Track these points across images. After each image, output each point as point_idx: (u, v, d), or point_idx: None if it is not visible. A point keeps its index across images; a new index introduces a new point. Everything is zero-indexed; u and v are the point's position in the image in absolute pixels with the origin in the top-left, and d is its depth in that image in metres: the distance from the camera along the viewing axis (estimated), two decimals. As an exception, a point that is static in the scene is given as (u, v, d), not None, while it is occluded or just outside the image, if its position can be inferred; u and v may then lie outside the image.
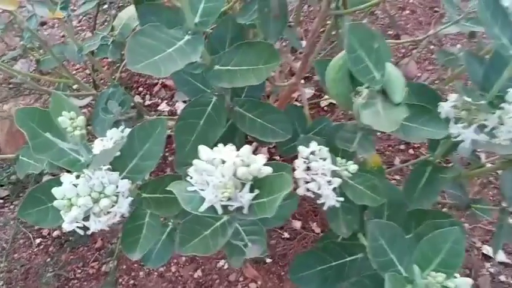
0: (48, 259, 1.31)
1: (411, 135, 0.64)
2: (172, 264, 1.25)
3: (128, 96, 0.88)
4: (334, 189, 0.66)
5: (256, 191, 0.53)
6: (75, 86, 1.49)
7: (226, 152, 0.53)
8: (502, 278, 1.20)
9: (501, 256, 1.23)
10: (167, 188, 0.52)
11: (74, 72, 1.76)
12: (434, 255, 0.57)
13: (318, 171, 0.65)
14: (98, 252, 1.30)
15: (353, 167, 0.66)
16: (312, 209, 1.34)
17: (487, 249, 1.23)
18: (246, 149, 0.53)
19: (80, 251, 1.32)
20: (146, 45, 0.58)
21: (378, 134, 1.59)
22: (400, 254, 0.62)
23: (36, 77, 1.32)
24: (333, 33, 1.34)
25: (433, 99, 0.75)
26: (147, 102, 1.60)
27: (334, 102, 1.55)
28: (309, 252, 0.85)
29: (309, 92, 1.58)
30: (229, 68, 0.71)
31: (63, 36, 1.99)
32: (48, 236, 1.36)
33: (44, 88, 1.19)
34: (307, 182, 0.67)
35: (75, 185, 0.53)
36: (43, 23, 2.06)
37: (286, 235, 1.29)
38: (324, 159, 0.66)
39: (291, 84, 1.19)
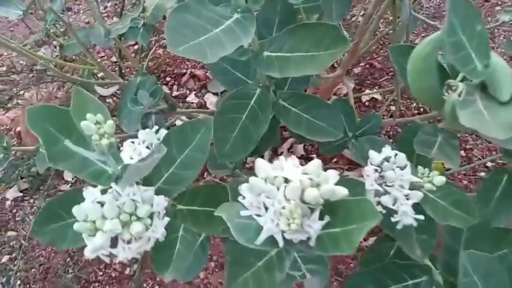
0: (68, 259, 1.22)
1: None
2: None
3: (159, 86, 0.77)
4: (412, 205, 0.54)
5: (327, 218, 0.41)
6: (100, 74, 1.39)
7: (289, 167, 0.41)
8: None
9: None
10: (217, 213, 0.41)
11: (99, 60, 1.66)
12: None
13: (395, 183, 0.53)
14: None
15: (439, 178, 0.54)
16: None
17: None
18: (315, 164, 0.41)
19: (102, 251, 1.22)
20: (189, 24, 0.47)
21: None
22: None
23: (60, 63, 1.22)
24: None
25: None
26: (175, 93, 1.49)
27: (376, 97, 1.42)
28: (365, 273, 0.73)
29: (350, 85, 1.45)
30: (280, 54, 0.60)
31: (87, 22, 1.90)
32: (69, 233, 1.27)
33: (67, 75, 1.09)
34: (378, 195, 0.55)
35: (101, 203, 0.43)
36: (68, 9, 1.97)
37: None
38: (402, 168, 0.54)
39: (335, 76, 1.06)
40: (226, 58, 0.63)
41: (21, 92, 1.59)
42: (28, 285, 1.18)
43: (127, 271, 1.18)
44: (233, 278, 0.45)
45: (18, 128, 1.57)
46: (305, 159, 1.28)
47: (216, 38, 0.48)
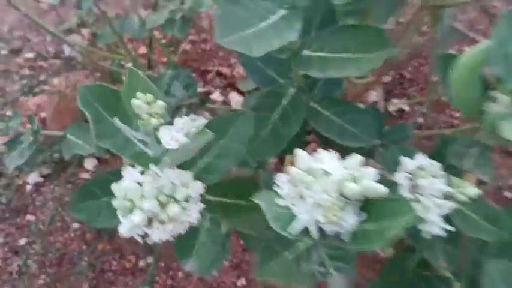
0: (84, 246, 1.23)
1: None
2: (214, 267, 1.15)
3: (193, 80, 0.78)
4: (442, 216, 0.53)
5: (363, 214, 0.41)
6: (127, 65, 1.41)
7: (329, 160, 0.42)
8: None
9: None
10: (253, 200, 0.41)
11: (126, 51, 1.68)
12: None
13: (426, 191, 0.53)
14: (136, 246, 1.22)
15: (474, 190, 0.54)
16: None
17: None
18: (356, 158, 0.42)
19: (117, 242, 1.23)
20: (236, 17, 0.47)
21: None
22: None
23: (90, 50, 1.23)
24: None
25: None
26: (200, 90, 1.50)
27: (404, 108, 1.41)
28: (385, 282, 0.72)
29: (380, 92, 1.44)
30: (322, 54, 0.60)
31: (116, 14, 1.93)
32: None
33: (98, 63, 1.11)
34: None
35: (139, 184, 0.43)
36: (99, -1, 2.00)
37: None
38: (435, 177, 0.53)
39: (369, 83, 1.06)
40: (262, 56, 0.64)
41: (48, 79, 1.62)
42: (44, 269, 1.19)
43: (141, 263, 1.18)
44: (262, 266, 0.45)
45: (43, 114, 1.59)
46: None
47: (263, 32, 0.48)
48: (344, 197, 0.40)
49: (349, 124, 0.76)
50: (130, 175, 0.44)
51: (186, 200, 0.45)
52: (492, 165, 0.57)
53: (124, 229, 0.43)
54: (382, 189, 0.41)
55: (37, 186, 1.39)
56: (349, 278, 0.50)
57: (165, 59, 1.51)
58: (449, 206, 0.53)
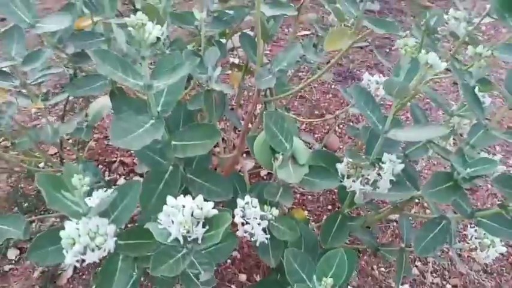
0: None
1: (314, 187, 0.91)
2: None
3: (98, 170, 1.11)
4: (264, 230, 0.90)
5: (207, 227, 0.76)
6: (40, 164, 1.68)
7: (186, 200, 0.77)
8: (411, 310, 1.48)
9: (409, 293, 1.51)
10: (144, 227, 0.75)
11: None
12: (328, 269, 0.82)
13: (251, 216, 0.90)
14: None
15: (275, 211, 0.92)
16: (255, 264, 1.55)
17: (400, 289, 1.51)
18: (200, 198, 0.77)
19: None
20: (123, 128, 0.81)
21: (310, 197, 1.88)
22: (309, 274, 0.86)
23: (12, 157, 1.50)
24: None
25: (335, 162, 1.03)
26: (107, 178, 1.80)
27: (272, 172, 1.83)
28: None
29: (250, 164, 1.85)
30: (182, 142, 0.96)
31: (22, 121, 2.18)
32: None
33: (17, 166, 1.38)
34: (244, 226, 0.91)
35: (77, 229, 0.74)
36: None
37: (233, 287, 1.49)
38: (255, 207, 0.91)
39: (233, 157, 1.45)
40: (148, 146, 0.98)
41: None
42: None
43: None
44: (155, 268, 0.77)
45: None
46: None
47: (139, 135, 0.83)
48: (195, 218, 0.75)
49: (213, 186, 1.12)
50: (70, 225, 0.75)
51: (106, 235, 0.76)
52: (291, 197, 0.96)
53: (69, 258, 0.73)
54: (214, 212, 0.77)
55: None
56: (211, 273, 0.84)
57: (74, 156, 1.80)
58: (265, 222, 0.90)
